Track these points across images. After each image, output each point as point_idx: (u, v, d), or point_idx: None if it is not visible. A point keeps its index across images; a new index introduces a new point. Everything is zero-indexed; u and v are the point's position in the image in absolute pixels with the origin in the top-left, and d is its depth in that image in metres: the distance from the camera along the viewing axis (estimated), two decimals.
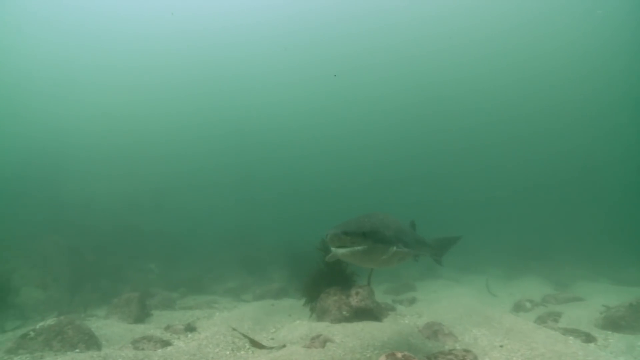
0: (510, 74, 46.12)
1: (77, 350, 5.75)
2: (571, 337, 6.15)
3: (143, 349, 5.63)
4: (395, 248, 4.62)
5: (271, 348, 5.78)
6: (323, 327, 6.54)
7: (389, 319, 7.81)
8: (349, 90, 50.42)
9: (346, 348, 5.38)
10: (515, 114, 49.31)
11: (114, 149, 39.40)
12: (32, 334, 5.84)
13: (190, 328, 6.97)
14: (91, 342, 6.04)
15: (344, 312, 6.93)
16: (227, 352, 5.53)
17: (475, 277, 16.34)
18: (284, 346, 5.83)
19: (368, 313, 6.99)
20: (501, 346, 5.75)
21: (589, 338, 6.29)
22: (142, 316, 8.11)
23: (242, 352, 5.58)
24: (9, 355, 5.46)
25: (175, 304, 10.53)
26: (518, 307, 9.64)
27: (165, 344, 5.95)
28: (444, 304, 9.74)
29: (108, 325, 7.24)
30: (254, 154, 48.47)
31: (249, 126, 50.81)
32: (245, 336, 6.19)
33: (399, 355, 4.02)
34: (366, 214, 5.01)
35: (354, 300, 7.02)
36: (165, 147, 47.37)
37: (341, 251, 4.24)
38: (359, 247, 4.21)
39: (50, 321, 6.14)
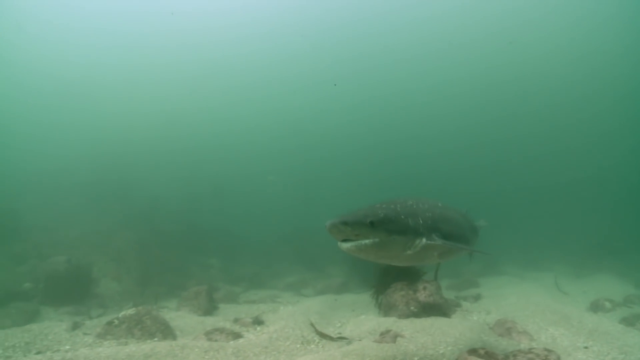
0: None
1: (155, 338, 6.05)
2: None
3: (216, 340, 5.80)
4: (425, 240, 3.87)
5: (344, 339, 5.77)
6: (391, 323, 6.45)
7: (457, 315, 7.58)
8: (410, 80, 48.96)
9: (417, 344, 5.26)
10: (586, 95, 46.22)
11: (178, 149, 41.26)
12: (116, 321, 6.22)
13: (258, 321, 7.12)
14: (167, 332, 6.33)
15: (412, 308, 6.79)
16: (298, 346, 5.58)
17: (540, 274, 15.53)
18: (352, 341, 5.80)
19: (436, 309, 6.81)
20: (586, 347, 5.40)
21: None
22: (210, 309, 8.40)
23: (312, 346, 5.61)
24: (99, 339, 5.87)
25: (239, 298, 10.82)
26: (596, 307, 9.02)
27: (237, 336, 6.10)
28: (512, 300, 9.32)
29: (180, 317, 7.55)
30: (311, 152, 48.64)
31: (309, 124, 50.81)
32: (318, 332, 6.20)
33: (482, 351, 3.86)
34: (392, 199, 4.27)
35: (422, 296, 6.87)
36: (226, 146, 48.73)
37: (345, 246, 3.62)
38: (367, 241, 3.56)
39: (130, 311, 6.49)
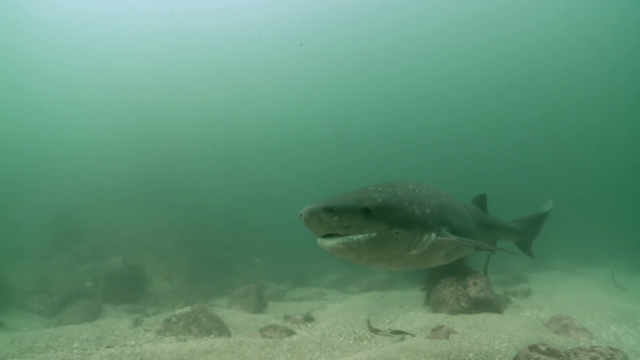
0: None
1: (211, 335, 6.30)
2: None
3: (270, 337, 5.98)
4: (434, 236, 3.17)
5: (403, 333, 5.80)
6: (441, 319, 6.42)
7: (508, 311, 7.44)
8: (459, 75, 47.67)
9: (471, 340, 5.22)
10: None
11: (222, 152, 42.30)
12: (173, 319, 6.52)
13: (308, 318, 7.27)
14: (222, 329, 6.57)
15: (462, 303, 6.73)
16: (351, 342, 5.67)
17: (594, 269, 14.89)
18: (403, 337, 5.83)
19: (487, 304, 6.71)
20: None
21: None
22: (260, 307, 8.63)
23: (365, 342, 5.68)
24: (159, 335, 6.19)
25: (286, 296, 11.04)
26: None
27: (290, 332, 6.26)
28: (565, 296, 9.02)
29: (232, 315, 7.81)
30: (352, 147, 48.45)
31: (350, 121, 50.49)
32: (373, 329, 6.26)
33: (543, 347, 3.80)
34: (388, 182, 3.47)
35: (472, 291, 6.79)
36: (268, 143, 49.28)
37: (329, 243, 2.78)
38: (360, 236, 2.73)
39: (186, 309, 6.79)
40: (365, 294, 9.83)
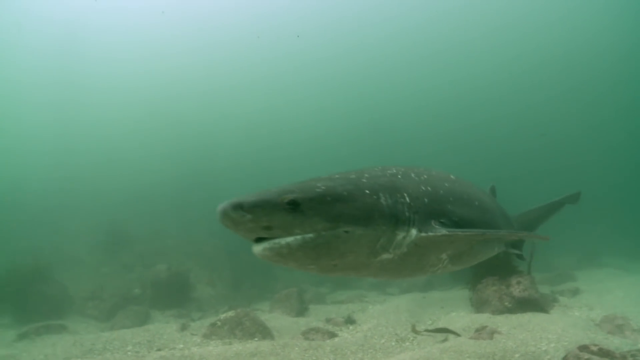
0: None
1: (255, 338, 6.46)
2: None
3: (313, 339, 6.08)
4: (415, 232, 2.58)
5: (450, 332, 5.76)
6: (485, 319, 6.32)
7: (555, 310, 7.22)
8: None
9: (517, 340, 5.12)
10: None
11: (257, 153, 42.85)
12: (218, 323, 6.73)
13: (350, 321, 7.32)
14: (265, 332, 6.72)
15: (506, 303, 6.59)
16: (393, 343, 5.68)
17: None
18: (446, 338, 5.78)
19: (533, 304, 6.54)
20: None
21: None
22: (301, 310, 8.76)
23: (407, 343, 5.68)
24: (206, 339, 6.41)
25: (326, 299, 11.12)
26: None
27: (332, 335, 6.34)
28: (618, 294, 8.66)
29: (274, 318, 7.97)
30: (390, 147, 47.64)
31: (390, 121, 49.54)
32: (416, 331, 6.24)
33: (594, 348, 3.69)
34: (363, 168, 2.94)
35: (516, 291, 6.63)
36: (305, 146, 49.28)
37: (256, 250, 2.31)
38: (291, 239, 2.22)
39: (230, 313, 6.99)
40: (406, 295, 9.78)
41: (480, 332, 5.46)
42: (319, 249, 2.29)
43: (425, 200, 2.80)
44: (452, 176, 3.58)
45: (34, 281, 10.06)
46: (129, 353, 5.75)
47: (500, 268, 7.19)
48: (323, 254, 2.32)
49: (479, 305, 7.02)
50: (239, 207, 2.17)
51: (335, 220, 2.29)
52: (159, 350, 5.90)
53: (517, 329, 5.60)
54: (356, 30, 43.16)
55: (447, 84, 45.46)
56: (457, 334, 5.81)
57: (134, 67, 43.65)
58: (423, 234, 2.61)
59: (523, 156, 44.22)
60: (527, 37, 40.40)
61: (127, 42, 42.29)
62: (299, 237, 2.24)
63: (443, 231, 2.65)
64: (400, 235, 2.54)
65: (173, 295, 10.93)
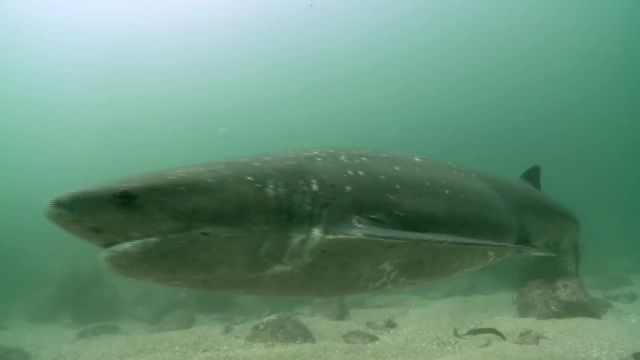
0: None
1: (297, 341, 6.57)
2: None
3: (354, 342, 6.11)
4: (319, 233, 1.97)
5: (497, 333, 5.65)
6: (530, 323, 6.16)
7: (608, 316, 6.90)
8: None
9: (565, 346, 4.96)
10: None
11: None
12: (261, 326, 6.90)
13: (390, 324, 7.31)
14: (307, 335, 6.82)
15: (552, 307, 6.39)
16: (434, 347, 5.64)
17: None
18: (489, 342, 5.67)
19: (582, 308, 6.31)
20: None
21: None
22: (342, 314, 8.81)
23: (449, 347, 5.62)
24: (249, 341, 6.60)
25: (366, 303, 11.11)
26: None
27: (372, 338, 6.35)
28: None
29: (315, 322, 8.06)
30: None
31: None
32: (457, 334, 6.16)
33: None
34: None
35: (563, 294, 6.42)
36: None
37: (103, 256, 1.77)
38: (129, 245, 1.72)
39: (272, 317, 7.15)
40: (447, 299, 9.64)
41: (525, 337, 5.32)
42: (169, 259, 1.76)
43: (348, 188, 2.15)
44: (417, 158, 2.83)
45: (91, 285, 10.76)
46: (177, 353, 6.01)
47: (545, 270, 6.98)
48: (177, 265, 1.78)
49: (523, 309, 6.84)
50: (57, 204, 1.67)
51: (188, 218, 1.75)
52: (205, 351, 6.13)
53: (565, 335, 5.43)
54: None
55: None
56: (500, 334, 5.70)
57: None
58: (330, 237, 1.96)
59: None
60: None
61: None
62: (138, 242, 1.72)
63: (357, 233, 1.97)
64: (295, 238, 1.93)
65: (217, 300, 11.27)
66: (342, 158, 2.36)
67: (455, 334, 6.10)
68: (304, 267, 2.01)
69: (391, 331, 7.01)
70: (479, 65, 42.44)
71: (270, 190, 1.97)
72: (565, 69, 40.01)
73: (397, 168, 2.52)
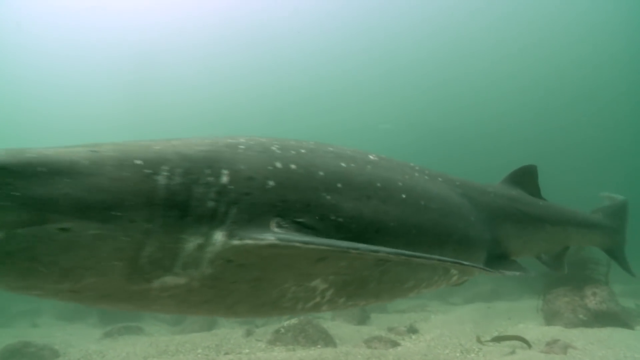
0: None
1: (318, 346, 6.56)
2: None
3: (376, 348, 6.08)
4: (221, 238, 1.62)
5: (524, 341, 5.54)
6: (557, 332, 6.00)
7: None
8: None
9: (595, 357, 4.82)
10: None
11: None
12: (282, 330, 6.92)
13: (412, 330, 7.24)
14: (328, 339, 6.81)
15: (580, 316, 6.22)
16: (457, 354, 5.55)
17: None
18: (514, 351, 5.55)
19: (613, 318, 6.13)
20: None
21: None
22: (363, 318, 8.77)
23: (472, 355, 5.52)
24: (270, 345, 6.61)
25: (387, 307, 11.03)
26: None
27: (394, 344, 6.30)
28: None
29: (336, 326, 8.04)
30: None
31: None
32: (481, 341, 6.05)
33: None
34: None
35: (592, 303, 6.24)
36: None
37: None
38: None
39: (293, 320, 7.15)
40: (470, 305, 9.50)
41: (552, 346, 5.19)
42: (17, 262, 1.39)
43: (270, 183, 1.76)
44: (372, 156, 2.46)
45: None
46: (200, 356, 6.08)
47: (572, 277, 6.80)
48: (29, 270, 1.41)
49: (549, 317, 6.69)
50: None
51: (42, 207, 1.38)
52: (227, 354, 6.18)
53: (595, 345, 5.27)
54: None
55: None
56: (526, 342, 5.57)
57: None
58: (235, 242, 1.58)
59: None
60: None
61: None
62: None
63: (269, 237, 1.58)
64: (189, 242, 1.55)
65: None
66: (273, 148, 1.98)
67: (479, 340, 6.00)
68: (204, 281, 1.63)
69: (413, 337, 6.93)
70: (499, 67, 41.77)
71: (161, 179, 1.58)
72: (570, 73, 39.19)
73: (342, 164, 2.14)
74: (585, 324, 6.14)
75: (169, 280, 1.58)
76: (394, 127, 38.30)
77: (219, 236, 1.59)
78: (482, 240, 2.79)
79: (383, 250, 1.72)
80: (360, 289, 2.09)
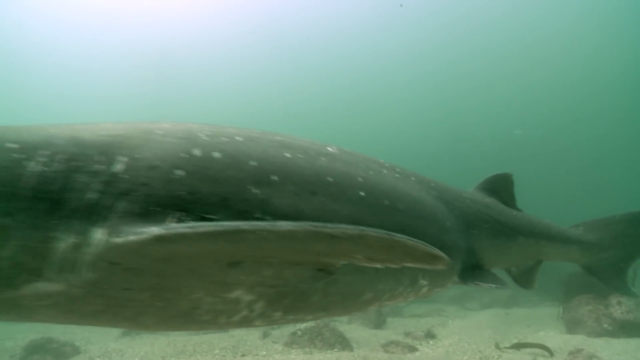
0: None
1: (335, 349, 6.54)
2: None
3: (393, 352, 6.03)
4: (105, 237, 1.32)
5: (545, 348, 5.44)
6: (579, 341, 5.88)
7: None
8: None
9: None
10: None
11: None
12: (299, 332, 6.91)
13: (430, 335, 7.17)
14: (344, 343, 6.78)
15: (605, 325, 6.08)
16: None
17: None
18: (534, 359, 5.45)
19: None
20: None
21: None
22: (379, 322, 8.71)
23: None
24: (287, 347, 6.62)
25: (403, 311, 10.94)
26: None
27: (412, 349, 6.24)
28: None
29: (353, 330, 8.01)
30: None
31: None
32: (500, 348, 5.96)
33: None
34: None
35: (617, 312, 6.10)
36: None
37: None
38: None
39: (310, 323, 7.14)
40: (487, 311, 9.36)
41: (576, 355, 5.09)
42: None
43: (179, 173, 1.51)
44: (330, 148, 2.18)
45: None
46: (217, 356, 6.12)
47: (594, 285, 6.65)
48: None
49: (571, 325, 6.55)
50: None
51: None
52: (244, 355, 6.21)
53: (622, 356, 5.16)
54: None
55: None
56: (548, 350, 5.46)
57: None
58: (118, 240, 1.31)
59: None
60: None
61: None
62: None
63: (151, 230, 1.30)
64: (62, 240, 1.30)
65: None
66: (200, 134, 1.72)
67: (498, 347, 5.90)
68: (88, 288, 1.36)
69: (431, 342, 6.86)
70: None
71: (33, 165, 1.34)
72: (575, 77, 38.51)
73: (287, 155, 1.86)
74: (611, 333, 6.00)
75: (42, 286, 1.32)
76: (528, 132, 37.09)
77: (98, 234, 1.32)
78: (457, 248, 2.56)
79: (284, 225, 1.34)
80: (301, 302, 1.80)
